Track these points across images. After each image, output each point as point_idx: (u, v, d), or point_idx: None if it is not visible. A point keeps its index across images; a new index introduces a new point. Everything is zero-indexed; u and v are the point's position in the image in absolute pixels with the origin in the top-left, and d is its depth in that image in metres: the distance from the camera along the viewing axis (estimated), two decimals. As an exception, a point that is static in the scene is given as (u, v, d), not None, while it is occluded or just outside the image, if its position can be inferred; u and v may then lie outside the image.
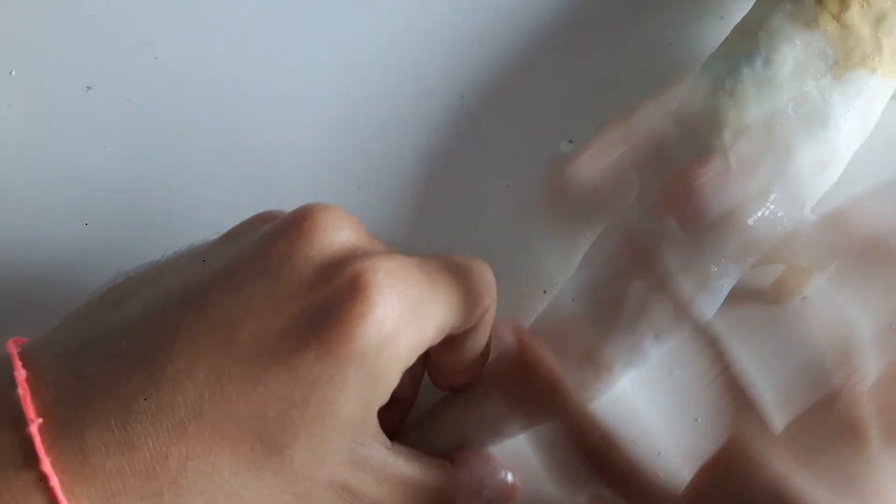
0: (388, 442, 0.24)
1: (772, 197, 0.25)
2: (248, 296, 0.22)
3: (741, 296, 0.27)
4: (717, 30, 0.32)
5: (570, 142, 0.31)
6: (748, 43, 0.27)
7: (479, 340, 0.26)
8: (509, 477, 0.27)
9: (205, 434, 0.21)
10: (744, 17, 0.28)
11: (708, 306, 0.26)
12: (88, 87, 0.32)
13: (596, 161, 0.29)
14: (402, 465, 0.24)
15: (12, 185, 0.31)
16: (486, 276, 0.25)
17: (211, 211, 0.29)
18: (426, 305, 0.23)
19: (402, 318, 0.22)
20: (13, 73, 0.32)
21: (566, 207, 0.30)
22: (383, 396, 0.23)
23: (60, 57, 0.32)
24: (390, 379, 0.22)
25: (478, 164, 0.32)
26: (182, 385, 0.21)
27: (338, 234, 0.23)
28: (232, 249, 0.23)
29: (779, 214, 0.25)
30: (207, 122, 0.32)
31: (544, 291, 0.30)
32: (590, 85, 0.32)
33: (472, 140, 0.32)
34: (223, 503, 0.21)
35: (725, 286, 0.26)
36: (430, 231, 0.31)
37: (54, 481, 0.19)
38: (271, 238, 0.22)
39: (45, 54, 0.32)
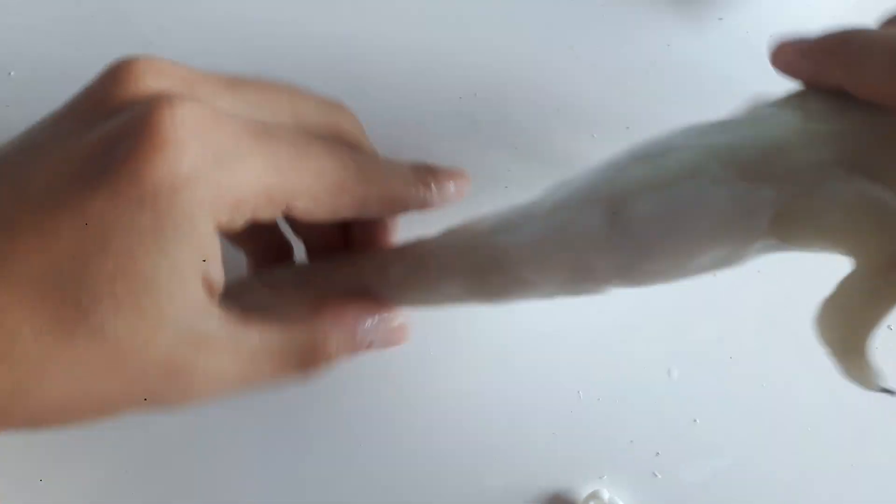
0: (229, 313, 0.22)
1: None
2: (43, 143, 0.20)
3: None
4: (717, 30, 0.32)
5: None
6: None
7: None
8: (392, 318, 0.25)
9: (1, 290, 0.19)
10: None
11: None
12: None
13: None
14: (254, 336, 0.22)
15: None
16: (357, 159, 0.24)
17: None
18: (240, 159, 0.21)
19: (201, 162, 0.20)
20: (13, 73, 0.32)
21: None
22: (195, 256, 0.20)
23: (60, 58, 0.32)
24: (196, 233, 0.20)
25: (477, 164, 0.32)
26: None
27: (151, 80, 0.21)
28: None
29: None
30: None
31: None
32: (590, 84, 0.32)
33: (471, 141, 0.32)
34: (34, 376, 0.19)
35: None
36: (429, 231, 0.31)
37: None
38: (77, 96, 0.22)
39: (44, 55, 0.32)
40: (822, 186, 0.21)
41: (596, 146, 0.31)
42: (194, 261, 0.20)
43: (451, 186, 0.26)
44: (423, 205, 0.25)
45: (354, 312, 0.25)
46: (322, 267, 0.26)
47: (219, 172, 0.20)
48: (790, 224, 0.22)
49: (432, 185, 0.25)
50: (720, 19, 0.32)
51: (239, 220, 0.21)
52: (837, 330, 0.21)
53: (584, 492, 0.29)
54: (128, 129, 0.20)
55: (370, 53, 0.33)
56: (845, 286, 0.21)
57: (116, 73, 0.21)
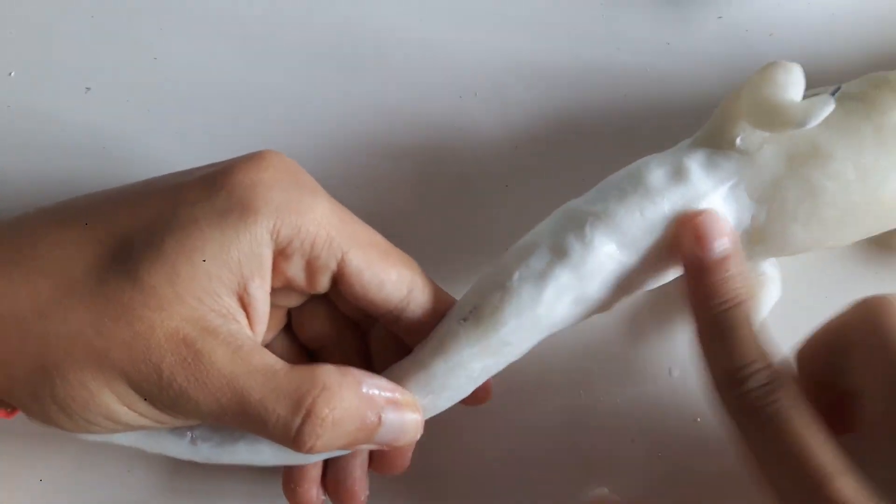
0: (252, 334, 0.23)
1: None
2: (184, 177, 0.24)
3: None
4: (716, 29, 0.32)
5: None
6: None
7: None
8: (407, 402, 0.24)
9: (77, 227, 0.23)
10: None
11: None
12: (88, 88, 0.32)
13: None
14: (261, 352, 0.23)
15: (11, 186, 0.31)
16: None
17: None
18: (315, 196, 0.24)
19: (283, 180, 0.23)
20: (13, 73, 0.32)
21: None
22: (244, 254, 0.23)
23: (60, 58, 0.32)
24: (255, 231, 0.23)
25: (478, 164, 0.32)
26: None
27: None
28: None
29: None
30: (206, 123, 0.32)
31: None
32: (590, 83, 0.32)
33: (471, 139, 0.32)
34: (63, 299, 0.22)
35: None
36: (429, 231, 0.31)
37: None
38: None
39: (44, 55, 0.32)
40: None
41: (596, 145, 0.31)
42: (238, 261, 0.23)
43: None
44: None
45: (362, 372, 0.24)
46: None
47: (292, 193, 0.23)
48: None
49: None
50: (719, 18, 0.32)
51: (297, 255, 0.24)
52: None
53: (586, 492, 0.29)
54: (237, 157, 0.24)
55: (370, 51, 0.33)
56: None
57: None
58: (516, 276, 0.25)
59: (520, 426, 0.29)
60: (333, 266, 0.24)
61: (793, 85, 0.25)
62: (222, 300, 0.23)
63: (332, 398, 0.22)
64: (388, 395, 0.24)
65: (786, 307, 0.29)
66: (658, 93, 0.32)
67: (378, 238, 0.25)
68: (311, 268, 0.24)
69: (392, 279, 0.25)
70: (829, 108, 0.23)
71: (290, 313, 0.27)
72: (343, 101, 0.32)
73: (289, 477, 0.27)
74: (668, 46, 0.32)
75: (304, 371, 0.23)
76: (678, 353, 0.30)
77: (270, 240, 0.23)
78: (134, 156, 0.32)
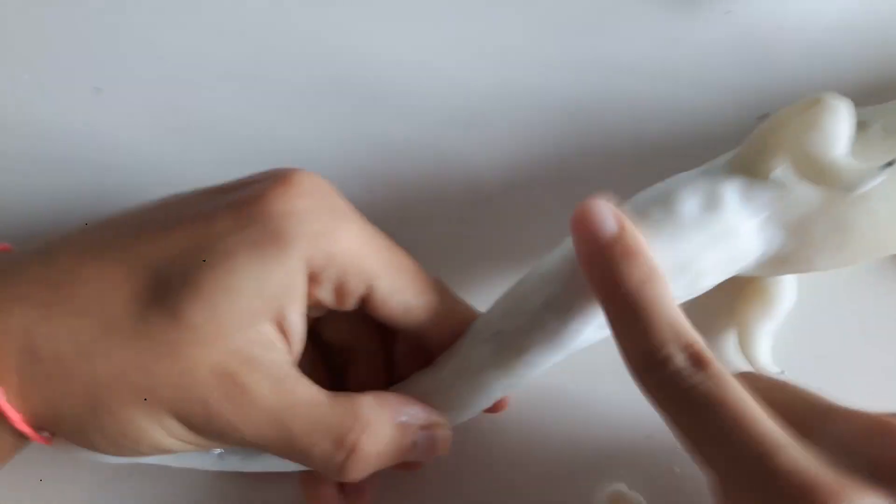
0: (293, 363, 0.24)
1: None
2: (210, 199, 0.24)
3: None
4: (724, 23, 0.32)
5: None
6: None
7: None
8: (439, 421, 0.25)
9: (112, 263, 0.23)
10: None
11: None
12: (97, 89, 0.32)
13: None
14: (303, 383, 0.23)
15: (21, 187, 0.31)
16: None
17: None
18: (347, 222, 0.24)
19: (315, 207, 0.23)
20: (24, 76, 0.32)
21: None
22: (280, 285, 0.23)
23: (70, 59, 0.32)
24: (289, 261, 0.23)
25: (480, 164, 0.31)
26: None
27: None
28: None
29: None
30: (214, 124, 0.32)
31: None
32: (597, 80, 0.32)
33: (473, 138, 0.32)
34: (102, 344, 0.22)
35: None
36: (431, 231, 0.31)
37: None
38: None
39: (54, 57, 0.33)
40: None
41: (602, 143, 0.31)
42: (275, 292, 0.23)
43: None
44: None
45: (398, 398, 0.25)
46: None
47: (325, 221, 0.23)
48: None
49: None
50: (727, 12, 0.32)
51: (328, 281, 0.24)
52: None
53: (604, 489, 0.28)
54: (267, 176, 0.24)
55: (373, 54, 0.33)
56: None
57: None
58: (542, 303, 0.25)
59: (534, 422, 0.29)
60: (361, 290, 0.24)
61: (841, 134, 0.24)
62: (262, 330, 0.23)
63: (373, 434, 0.23)
64: (422, 419, 0.25)
65: (802, 313, 0.29)
66: (666, 90, 0.32)
67: (408, 262, 0.25)
68: (339, 291, 0.24)
69: (419, 305, 0.25)
70: (878, 180, 0.23)
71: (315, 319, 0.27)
72: (347, 100, 0.32)
73: (306, 476, 0.27)
74: (675, 41, 0.32)
75: (345, 404, 0.23)
76: None
77: (304, 268, 0.23)
78: (145, 158, 0.32)
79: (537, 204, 0.31)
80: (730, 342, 0.30)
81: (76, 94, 0.32)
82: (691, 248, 0.24)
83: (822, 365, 0.30)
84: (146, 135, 0.32)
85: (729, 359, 0.30)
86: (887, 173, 0.23)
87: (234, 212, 0.23)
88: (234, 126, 0.32)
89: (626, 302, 0.23)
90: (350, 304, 0.25)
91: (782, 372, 0.28)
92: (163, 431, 0.23)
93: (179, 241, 0.23)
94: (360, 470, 0.24)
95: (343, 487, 0.27)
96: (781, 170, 0.25)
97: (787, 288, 0.29)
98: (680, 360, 0.22)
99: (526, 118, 0.32)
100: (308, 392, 0.23)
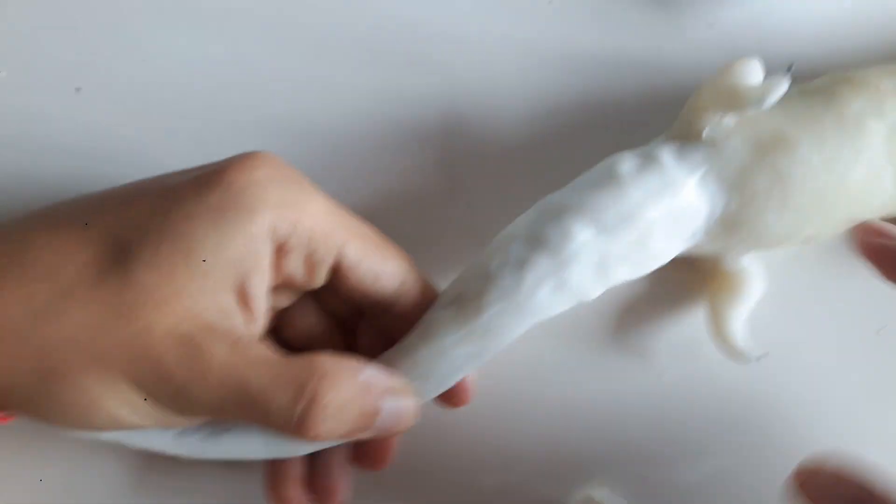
0: (251, 333, 0.23)
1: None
2: (178, 177, 0.24)
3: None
4: (707, 38, 0.32)
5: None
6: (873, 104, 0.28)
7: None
8: (404, 390, 0.24)
9: (68, 230, 0.23)
10: None
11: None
12: (78, 89, 0.32)
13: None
14: (261, 346, 0.23)
15: (2, 186, 0.31)
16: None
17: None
18: (309, 194, 0.24)
19: (277, 177, 0.24)
20: (3, 74, 0.32)
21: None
22: (242, 251, 0.23)
23: (50, 58, 0.32)
24: (251, 228, 0.23)
25: (473, 165, 0.32)
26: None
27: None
28: None
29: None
30: (197, 125, 0.32)
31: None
32: (583, 87, 0.32)
33: (466, 141, 0.32)
34: (57, 307, 0.22)
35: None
36: (433, 231, 0.31)
37: None
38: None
39: (34, 56, 0.32)
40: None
41: (588, 149, 0.31)
42: (236, 258, 0.23)
43: None
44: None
45: (359, 361, 0.24)
46: None
47: (289, 191, 0.24)
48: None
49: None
50: (711, 26, 0.32)
51: (296, 251, 0.24)
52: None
53: (577, 494, 0.29)
54: (232, 157, 0.24)
55: (371, 55, 0.32)
56: None
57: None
58: (496, 263, 0.25)
59: (513, 425, 0.30)
60: (331, 260, 0.24)
61: (751, 73, 0.27)
62: (220, 297, 0.23)
63: (333, 385, 0.22)
64: (385, 382, 0.24)
65: (772, 303, 0.30)
66: (649, 100, 0.32)
67: (372, 231, 0.26)
68: (309, 262, 0.24)
69: (387, 270, 0.25)
70: (783, 86, 0.25)
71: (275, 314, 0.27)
72: (343, 104, 0.32)
73: (271, 476, 0.27)
74: (659, 53, 0.32)
75: (303, 360, 0.23)
76: (675, 352, 0.30)
77: (269, 237, 0.23)
78: (125, 156, 0.32)
79: (516, 195, 0.31)
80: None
81: (57, 93, 0.32)
82: (632, 201, 0.26)
83: (795, 352, 0.30)
84: (126, 134, 0.32)
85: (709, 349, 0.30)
86: (787, 78, 0.25)
87: (196, 182, 0.23)
88: (217, 124, 0.32)
89: None
90: (320, 277, 0.25)
91: (766, 354, 0.28)
92: (116, 399, 0.22)
93: (142, 209, 0.23)
94: (321, 424, 0.22)
95: (312, 487, 0.27)
96: (710, 128, 0.26)
97: (755, 273, 0.29)
98: None
99: (512, 117, 0.32)
100: (264, 352, 0.23)
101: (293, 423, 0.22)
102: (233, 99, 0.32)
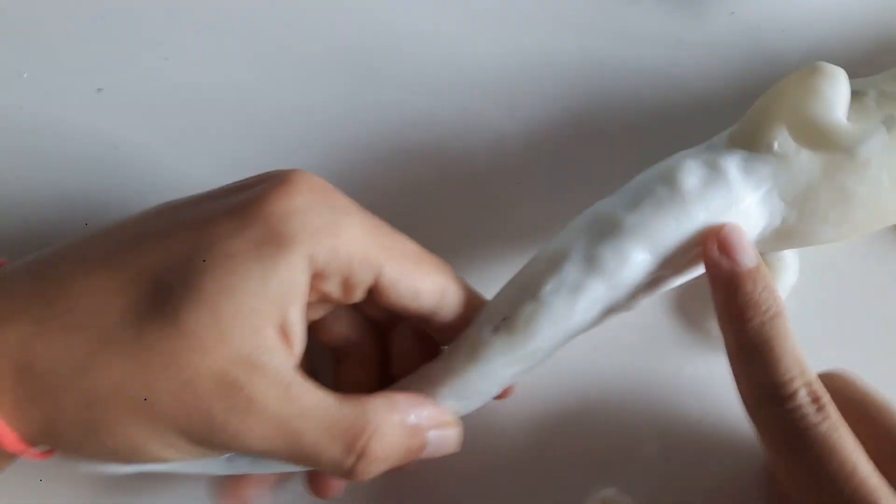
0: (296, 366, 0.23)
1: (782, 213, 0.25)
2: (203, 204, 0.24)
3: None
4: (728, 24, 0.32)
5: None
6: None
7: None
8: (448, 419, 0.25)
9: (106, 273, 0.22)
10: None
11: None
12: (99, 89, 0.32)
13: None
14: (309, 388, 0.23)
15: (22, 187, 0.31)
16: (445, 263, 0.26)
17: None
18: (348, 216, 0.23)
19: (314, 203, 0.23)
20: (25, 75, 0.32)
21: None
22: (283, 287, 0.22)
23: (71, 59, 0.33)
24: (291, 262, 0.22)
25: (488, 163, 0.31)
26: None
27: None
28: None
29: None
30: (216, 125, 0.32)
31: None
32: (600, 81, 0.32)
33: (480, 138, 0.32)
34: (99, 356, 0.21)
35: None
36: (444, 230, 0.31)
37: None
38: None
39: (55, 57, 0.33)
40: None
41: (607, 142, 0.31)
42: (279, 293, 0.22)
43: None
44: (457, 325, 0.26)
45: (407, 399, 0.24)
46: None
47: (326, 217, 0.23)
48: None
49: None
50: (732, 13, 0.32)
51: (334, 275, 0.23)
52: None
53: (591, 492, 0.28)
54: (264, 178, 0.24)
55: (378, 54, 0.33)
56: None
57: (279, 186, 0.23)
58: (549, 287, 0.24)
59: (528, 426, 0.29)
60: (369, 280, 0.24)
61: (839, 100, 0.25)
62: (266, 334, 0.22)
63: (383, 438, 0.23)
64: (435, 419, 0.25)
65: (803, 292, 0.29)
66: (670, 89, 0.32)
67: (412, 246, 0.25)
68: (347, 284, 0.24)
69: (426, 287, 0.25)
70: (880, 137, 0.24)
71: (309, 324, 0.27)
72: (353, 102, 0.32)
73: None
74: (680, 42, 0.32)
75: (355, 408, 0.23)
76: (690, 353, 0.30)
77: (307, 266, 0.22)
78: (144, 158, 0.32)
79: (539, 191, 0.31)
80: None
81: (78, 93, 0.32)
82: (696, 223, 0.24)
83: (826, 341, 0.29)
84: (147, 134, 0.32)
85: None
86: (884, 131, 0.23)
87: (233, 214, 0.22)
88: (235, 126, 0.32)
89: (755, 332, 0.23)
90: (358, 295, 0.24)
91: None
92: (164, 445, 0.22)
93: (177, 247, 0.22)
94: (369, 472, 0.23)
95: (311, 479, 0.27)
96: (781, 141, 0.25)
97: (790, 263, 0.29)
98: (803, 397, 0.22)
99: (527, 113, 0.32)
100: (315, 397, 0.23)
101: (343, 473, 0.23)
102: (252, 97, 0.32)
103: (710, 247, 0.24)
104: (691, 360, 0.30)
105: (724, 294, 0.24)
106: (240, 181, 0.25)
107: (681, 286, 0.27)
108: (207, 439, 0.22)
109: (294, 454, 0.22)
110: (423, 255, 0.25)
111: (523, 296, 0.25)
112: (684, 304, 0.30)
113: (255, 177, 0.24)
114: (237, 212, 0.22)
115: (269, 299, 0.22)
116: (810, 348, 0.27)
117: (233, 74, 0.32)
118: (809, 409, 0.22)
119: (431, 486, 0.29)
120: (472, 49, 0.32)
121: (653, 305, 0.30)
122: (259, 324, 0.22)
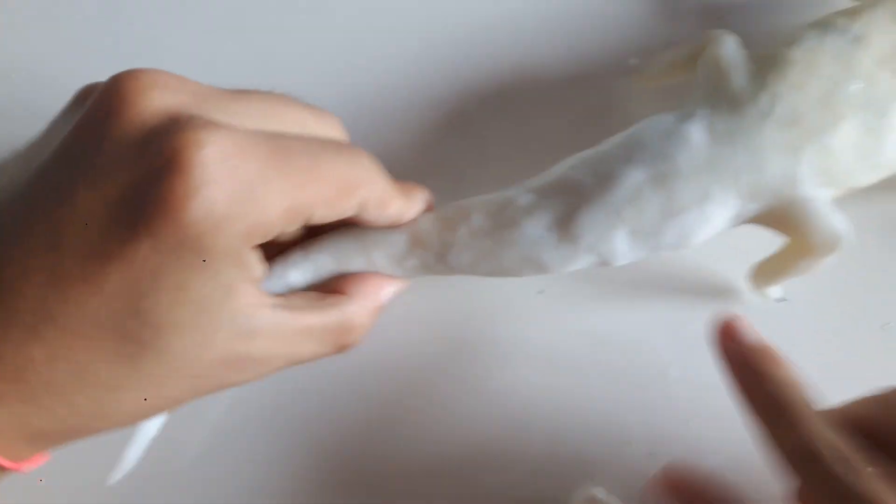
0: (275, 300, 0.24)
1: (804, 158, 0.26)
2: (68, 187, 0.20)
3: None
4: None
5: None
6: (846, 20, 0.27)
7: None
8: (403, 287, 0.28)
9: (64, 336, 0.20)
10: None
11: (688, 228, 0.26)
12: (91, 90, 0.32)
13: (663, 77, 0.31)
14: (297, 318, 0.24)
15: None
16: (361, 161, 0.24)
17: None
18: (268, 183, 0.21)
19: (236, 197, 0.20)
20: (13, 76, 0.32)
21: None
22: (242, 273, 0.22)
23: (62, 60, 0.33)
24: (238, 258, 0.21)
25: (479, 163, 0.32)
26: (21, 291, 0.20)
27: (155, 101, 0.21)
28: (52, 141, 0.22)
29: (800, 177, 0.26)
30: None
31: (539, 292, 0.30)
32: (591, 86, 0.32)
33: (472, 138, 0.32)
34: (111, 399, 0.22)
35: (716, 218, 0.26)
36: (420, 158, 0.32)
37: None
38: (82, 120, 0.21)
39: (46, 57, 0.33)
40: None
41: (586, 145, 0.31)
42: (242, 276, 0.22)
43: (421, 199, 0.27)
44: (401, 215, 0.27)
45: (374, 288, 0.27)
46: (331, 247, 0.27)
47: (251, 205, 0.21)
48: None
49: (415, 196, 0.27)
50: (720, 18, 0.32)
51: (269, 237, 0.23)
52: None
53: (579, 493, 0.29)
54: (157, 170, 0.20)
55: (373, 51, 0.33)
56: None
57: (122, 91, 0.21)
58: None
59: (514, 425, 0.29)
60: (302, 222, 0.23)
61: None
62: (243, 309, 0.23)
63: (363, 326, 0.26)
64: (396, 287, 0.28)
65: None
66: (661, 93, 0.32)
67: (328, 168, 0.23)
68: (282, 233, 0.24)
69: (350, 207, 0.24)
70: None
71: None
72: (347, 99, 0.32)
73: None
74: (689, 13, 0.32)
75: (338, 313, 0.25)
76: (676, 354, 0.30)
77: (253, 251, 0.22)
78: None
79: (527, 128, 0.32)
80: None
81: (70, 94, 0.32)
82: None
83: (799, 348, 0.28)
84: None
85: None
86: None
87: (150, 236, 0.20)
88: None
89: (774, 397, 0.24)
90: (294, 234, 0.26)
91: (784, 299, 0.29)
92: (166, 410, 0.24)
93: (114, 288, 0.20)
94: (353, 348, 0.26)
95: None
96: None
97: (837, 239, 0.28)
98: (835, 452, 0.22)
99: (520, 114, 0.32)
100: (304, 321, 0.24)
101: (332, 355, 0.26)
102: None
103: (718, 334, 0.25)
104: (679, 359, 0.30)
105: (739, 369, 0.25)
106: (92, 124, 0.21)
107: (668, 285, 0.27)
108: (213, 392, 0.24)
109: (292, 364, 0.25)
110: (342, 175, 0.23)
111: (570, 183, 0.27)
112: (673, 303, 0.30)
113: (109, 109, 0.21)
114: (158, 234, 0.20)
115: (236, 289, 0.22)
116: (811, 348, 0.28)
117: (225, 73, 0.32)
118: (843, 468, 0.22)
119: (417, 485, 0.29)
120: (461, 51, 0.33)
121: (641, 304, 0.30)
122: (237, 306, 0.22)
